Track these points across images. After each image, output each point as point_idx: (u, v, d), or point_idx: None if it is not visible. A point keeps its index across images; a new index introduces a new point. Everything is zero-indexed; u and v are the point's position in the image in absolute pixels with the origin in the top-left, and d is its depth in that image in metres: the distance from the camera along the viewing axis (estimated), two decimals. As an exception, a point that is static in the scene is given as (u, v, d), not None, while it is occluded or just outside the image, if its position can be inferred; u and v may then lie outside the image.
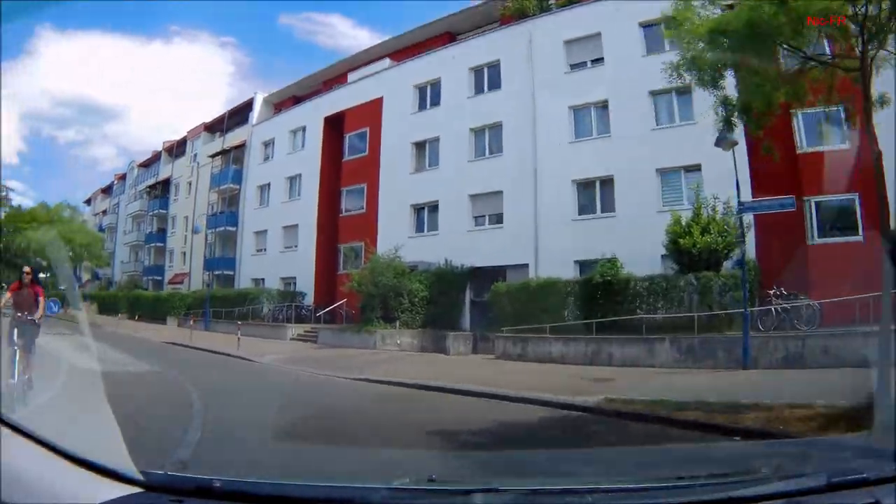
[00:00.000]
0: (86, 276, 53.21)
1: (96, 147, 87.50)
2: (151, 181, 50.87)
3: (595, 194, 22.40)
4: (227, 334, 23.92)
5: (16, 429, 2.21)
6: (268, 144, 37.57)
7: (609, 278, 17.72)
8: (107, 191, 62.73)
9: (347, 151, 31.89)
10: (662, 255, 18.67)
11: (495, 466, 5.76)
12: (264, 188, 36.89)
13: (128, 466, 2.38)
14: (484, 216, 25.37)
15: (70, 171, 75.04)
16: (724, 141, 13.38)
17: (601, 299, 17.80)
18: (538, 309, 18.70)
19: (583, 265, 21.22)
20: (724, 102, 10.16)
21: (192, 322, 26.12)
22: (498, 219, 24.80)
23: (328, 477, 4.03)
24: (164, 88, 71.00)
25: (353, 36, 63.35)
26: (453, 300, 23.95)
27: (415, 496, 2.58)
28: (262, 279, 34.83)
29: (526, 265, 22.80)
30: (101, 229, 56.66)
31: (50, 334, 12.22)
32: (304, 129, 34.70)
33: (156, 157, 52.88)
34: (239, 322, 25.86)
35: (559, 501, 2.55)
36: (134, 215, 52.19)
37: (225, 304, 31.99)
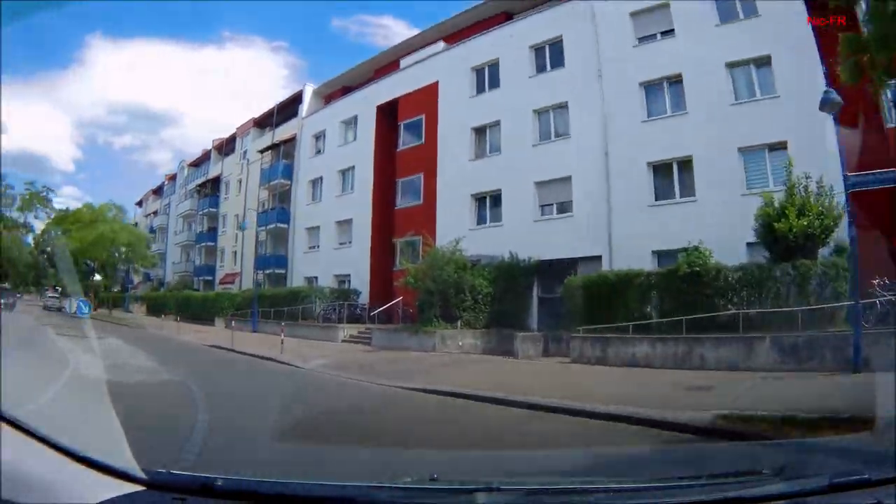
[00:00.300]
0: (137, 278, 53.92)
1: (153, 152, 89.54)
2: (201, 180, 51.10)
3: (672, 177, 20.99)
4: (274, 336, 22.77)
5: (18, 426, 2.20)
6: (318, 137, 37.12)
7: (697, 269, 16.25)
8: (158, 192, 63.63)
9: (402, 141, 31.17)
10: (748, 243, 17.36)
11: (497, 466, 5.67)
12: (316, 182, 36.47)
13: (131, 464, 2.43)
14: (551, 205, 24.09)
15: (126, 177, 76.85)
16: (828, 103, 12.03)
17: (688, 293, 16.24)
18: (618, 305, 17.24)
19: (661, 256, 19.92)
20: (851, 43, 8.74)
21: (233, 323, 25.37)
22: (566, 207, 23.47)
23: (330, 476, 4.06)
24: (218, 92, 72.29)
25: (407, 36, 63.05)
26: (519, 297, 22.66)
27: (417, 495, 2.61)
28: (315, 277, 34.38)
29: (598, 257, 21.55)
30: (151, 230, 57.47)
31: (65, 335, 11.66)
32: (355, 119, 34.12)
33: (206, 156, 53.20)
34: (283, 323, 24.87)
35: (560, 501, 2.61)
36: (184, 215, 52.64)
37: (275, 303, 31.43)
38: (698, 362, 14.35)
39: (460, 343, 20.37)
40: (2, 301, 25.22)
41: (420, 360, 17.50)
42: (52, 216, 35.12)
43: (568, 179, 23.39)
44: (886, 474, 2.42)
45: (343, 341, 24.66)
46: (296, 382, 14.01)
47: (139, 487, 2.30)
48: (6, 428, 2.13)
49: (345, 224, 33.38)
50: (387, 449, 6.68)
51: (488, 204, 26.25)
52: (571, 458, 6.39)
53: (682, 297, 16.29)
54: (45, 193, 30.97)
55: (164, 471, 2.44)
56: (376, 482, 2.66)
